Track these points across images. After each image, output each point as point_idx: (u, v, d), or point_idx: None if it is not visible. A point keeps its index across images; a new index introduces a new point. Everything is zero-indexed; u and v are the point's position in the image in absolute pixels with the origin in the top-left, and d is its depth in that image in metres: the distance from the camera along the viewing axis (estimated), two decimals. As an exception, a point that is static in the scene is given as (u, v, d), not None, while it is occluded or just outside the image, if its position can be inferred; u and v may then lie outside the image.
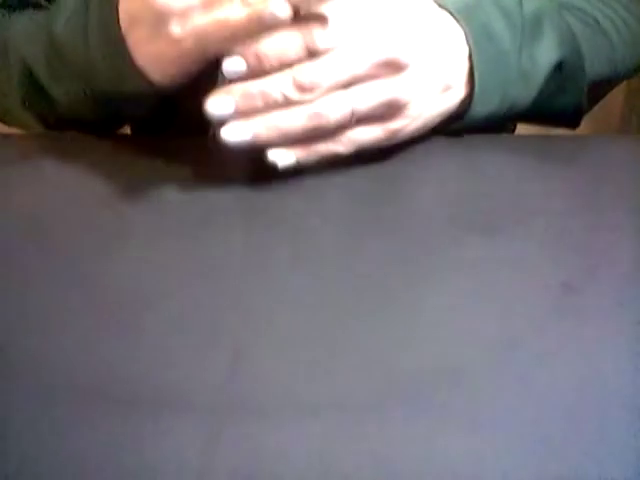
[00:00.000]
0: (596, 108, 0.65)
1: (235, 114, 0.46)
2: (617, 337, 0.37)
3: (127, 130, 0.70)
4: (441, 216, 0.47)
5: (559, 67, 0.54)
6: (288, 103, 0.46)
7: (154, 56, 0.47)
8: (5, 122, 0.63)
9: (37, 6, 0.61)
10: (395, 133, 0.50)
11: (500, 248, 0.44)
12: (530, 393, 0.34)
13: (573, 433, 0.32)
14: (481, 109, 0.52)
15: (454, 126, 0.53)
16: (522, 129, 0.84)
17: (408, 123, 0.50)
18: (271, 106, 0.46)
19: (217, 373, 0.35)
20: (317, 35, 0.44)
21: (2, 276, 0.43)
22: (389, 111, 0.48)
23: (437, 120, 0.52)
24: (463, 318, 0.39)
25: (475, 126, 0.54)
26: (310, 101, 0.46)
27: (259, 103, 0.46)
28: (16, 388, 0.35)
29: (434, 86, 0.50)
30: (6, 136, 0.58)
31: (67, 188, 0.51)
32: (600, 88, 0.63)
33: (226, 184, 0.50)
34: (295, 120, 0.46)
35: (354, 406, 0.34)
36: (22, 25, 0.59)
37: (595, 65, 0.58)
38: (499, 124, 0.56)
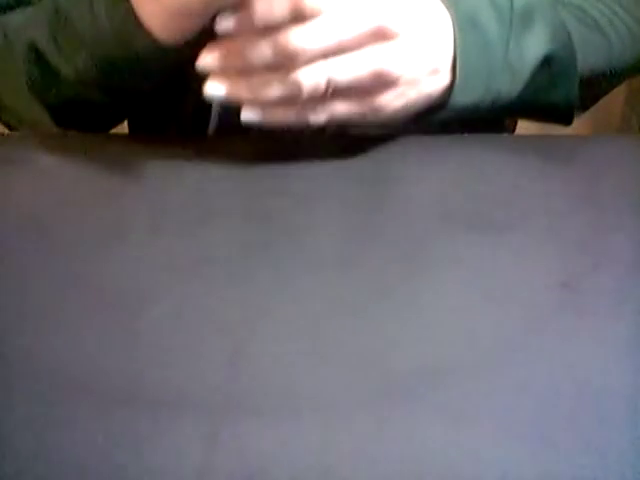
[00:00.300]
0: (596, 108, 0.65)
1: (218, 70, 0.47)
2: (617, 336, 0.37)
3: (126, 130, 0.70)
4: (441, 215, 0.47)
5: (549, 62, 0.54)
6: (267, 67, 0.46)
7: (157, 12, 0.48)
8: (11, 124, 0.64)
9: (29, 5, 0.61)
10: (376, 109, 0.49)
11: (500, 247, 0.44)
12: (529, 392, 0.34)
13: (572, 432, 0.32)
14: (463, 98, 0.52)
15: (437, 115, 0.53)
16: (522, 129, 0.84)
17: (391, 100, 0.49)
18: (251, 67, 0.47)
19: (216, 373, 0.35)
20: None
21: (1, 276, 0.43)
22: (374, 84, 0.48)
23: (421, 103, 0.51)
24: (463, 317, 0.39)
25: (459, 117, 0.53)
26: (290, 67, 0.46)
27: (239, 63, 0.47)
28: (14, 388, 0.35)
29: (422, 66, 0.49)
30: (6, 136, 0.58)
31: (66, 187, 0.51)
32: (599, 86, 0.62)
33: (225, 184, 0.50)
34: (270, 87, 0.47)
35: (353, 406, 0.34)
36: (22, 13, 0.59)
37: (590, 62, 0.57)
38: (494, 121, 0.56)
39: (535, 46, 0.53)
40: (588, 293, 0.40)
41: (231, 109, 0.51)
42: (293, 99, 0.47)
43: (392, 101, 0.49)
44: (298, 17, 0.45)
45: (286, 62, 0.46)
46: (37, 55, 0.55)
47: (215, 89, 0.48)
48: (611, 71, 0.61)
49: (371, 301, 0.40)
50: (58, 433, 0.32)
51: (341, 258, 0.43)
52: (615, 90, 0.67)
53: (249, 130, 0.50)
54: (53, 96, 0.57)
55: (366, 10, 0.46)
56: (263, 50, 0.46)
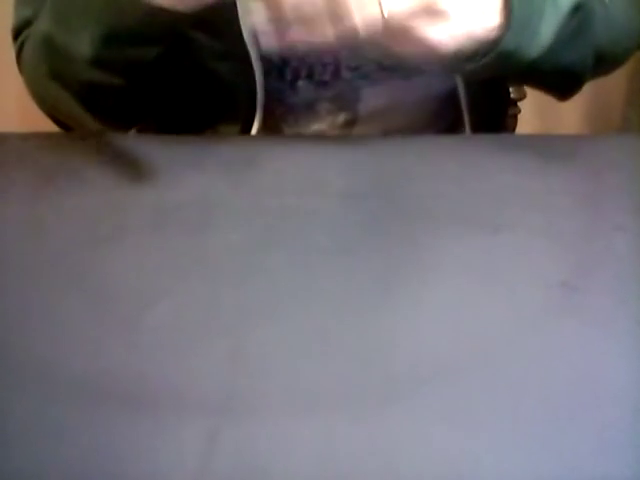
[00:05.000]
0: (596, 108, 0.65)
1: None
2: (617, 336, 0.37)
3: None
4: (441, 214, 0.47)
5: (577, 9, 0.53)
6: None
7: None
8: (57, 121, 0.64)
9: None
10: (429, 41, 0.49)
11: (500, 247, 0.44)
12: (529, 392, 0.34)
13: (572, 432, 0.32)
14: (509, 44, 0.51)
15: (484, 60, 0.51)
16: (522, 129, 0.84)
17: (444, 34, 0.49)
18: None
19: (216, 373, 0.35)
20: None
21: (1, 276, 0.43)
22: (425, 15, 0.48)
23: (468, 44, 0.51)
24: (462, 316, 0.39)
25: (492, 68, 0.52)
26: None
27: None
28: (15, 388, 0.35)
29: (471, 12, 0.49)
30: (6, 136, 0.58)
31: (66, 188, 0.51)
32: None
33: (226, 184, 0.50)
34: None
35: (354, 406, 0.34)
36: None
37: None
38: (496, 118, 0.54)
39: None
40: (588, 293, 0.40)
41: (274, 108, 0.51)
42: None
43: (442, 35, 0.49)
44: None
45: None
46: (51, 44, 0.56)
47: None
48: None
49: (371, 300, 0.40)
50: (58, 433, 0.32)
51: (341, 257, 0.43)
52: (614, 90, 0.67)
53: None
54: (74, 83, 0.57)
55: None
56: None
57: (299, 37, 0.50)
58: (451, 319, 0.39)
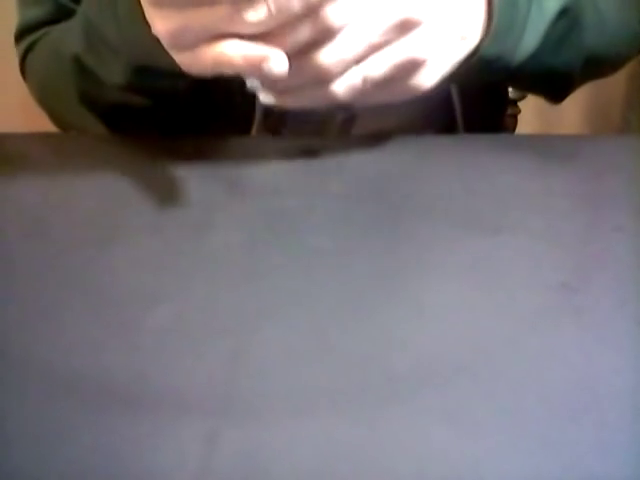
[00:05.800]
0: (596, 108, 0.65)
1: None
2: (617, 337, 0.37)
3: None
4: (440, 215, 0.47)
5: (562, 14, 0.53)
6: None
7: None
8: (62, 127, 0.64)
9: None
10: (413, 89, 0.49)
11: (499, 248, 0.44)
12: (529, 393, 0.34)
13: (572, 433, 0.32)
14: (488, 51, 0.51)
15: (465, 66, 0.52)
16: (522, 129, 0.84)
17: (424, 79, 0.49)
18: (289, 87, 0.47)
19: (216, 373, 0.35)
20: (330, 14, 0.43)
21: (2, 276, 0.43)
22: (405, 71, 0.47)
23: (450, 69, 0.51)
24: (462, 317, 0.39)
25: (474, 73, 0.52)
26: (327, 80, 0.45)
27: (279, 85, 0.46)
28: (15, 388, 0.35)
29: (451, 38, 0.49)
30: (6, 136, 0.58)
31: (67, 188, 0.51)
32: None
33: (227, 184, 0.50)
34: (310, 98, 0.47)
35: (353, 406, 0.34)
36: (64, 25, 0.60)
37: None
38: (494, 119, 0.55)
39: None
40: (588, 293, 0.40)
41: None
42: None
43: (425, 80, 0.49)
44: (327, 35, 0.44)
45: (322, 78, 0.46)
46: (81, 66, 0.56)
47: (266, 99, 0.48)
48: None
49: (371, 301, 0.40)
50: (58, 433, 0.32)
51: (343, 258, 0.44)
52: (614, 90, 0.67)
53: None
54: (101, 104, 0.57)
55: (387, 5, 0.45)
56: (298, 73, 0.45)
57: None
58: (451, 320, 0.39)
